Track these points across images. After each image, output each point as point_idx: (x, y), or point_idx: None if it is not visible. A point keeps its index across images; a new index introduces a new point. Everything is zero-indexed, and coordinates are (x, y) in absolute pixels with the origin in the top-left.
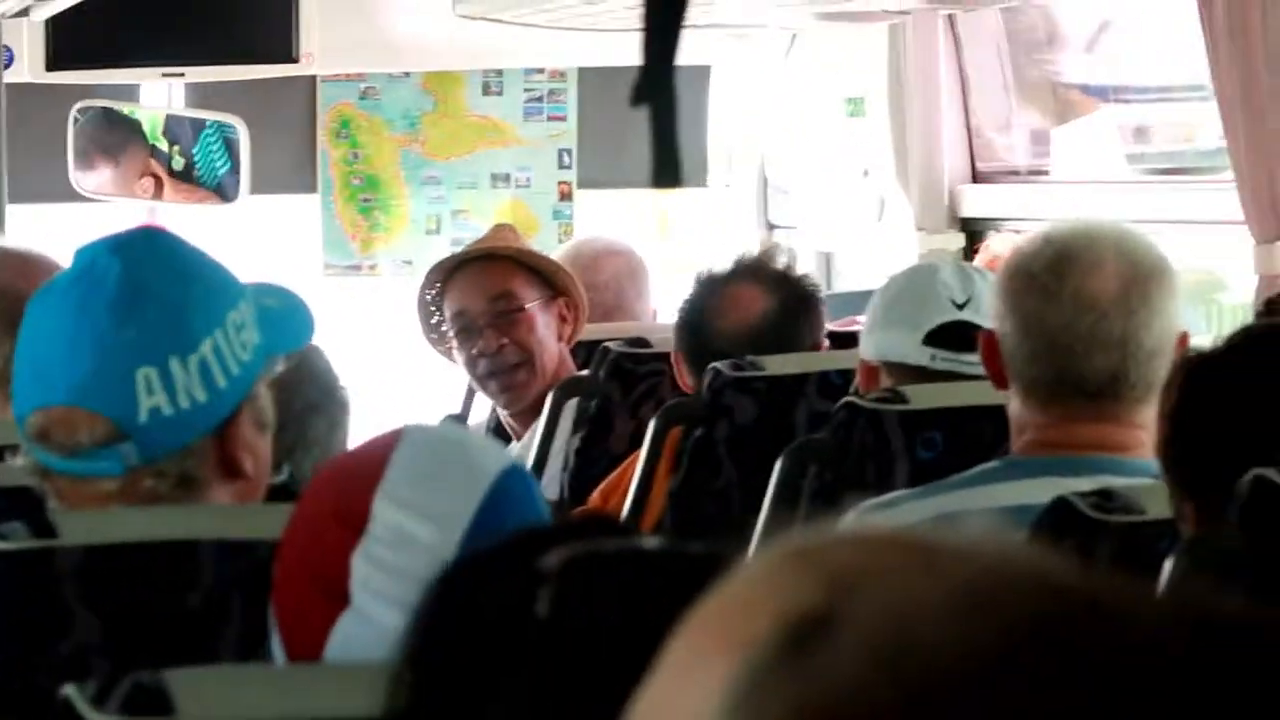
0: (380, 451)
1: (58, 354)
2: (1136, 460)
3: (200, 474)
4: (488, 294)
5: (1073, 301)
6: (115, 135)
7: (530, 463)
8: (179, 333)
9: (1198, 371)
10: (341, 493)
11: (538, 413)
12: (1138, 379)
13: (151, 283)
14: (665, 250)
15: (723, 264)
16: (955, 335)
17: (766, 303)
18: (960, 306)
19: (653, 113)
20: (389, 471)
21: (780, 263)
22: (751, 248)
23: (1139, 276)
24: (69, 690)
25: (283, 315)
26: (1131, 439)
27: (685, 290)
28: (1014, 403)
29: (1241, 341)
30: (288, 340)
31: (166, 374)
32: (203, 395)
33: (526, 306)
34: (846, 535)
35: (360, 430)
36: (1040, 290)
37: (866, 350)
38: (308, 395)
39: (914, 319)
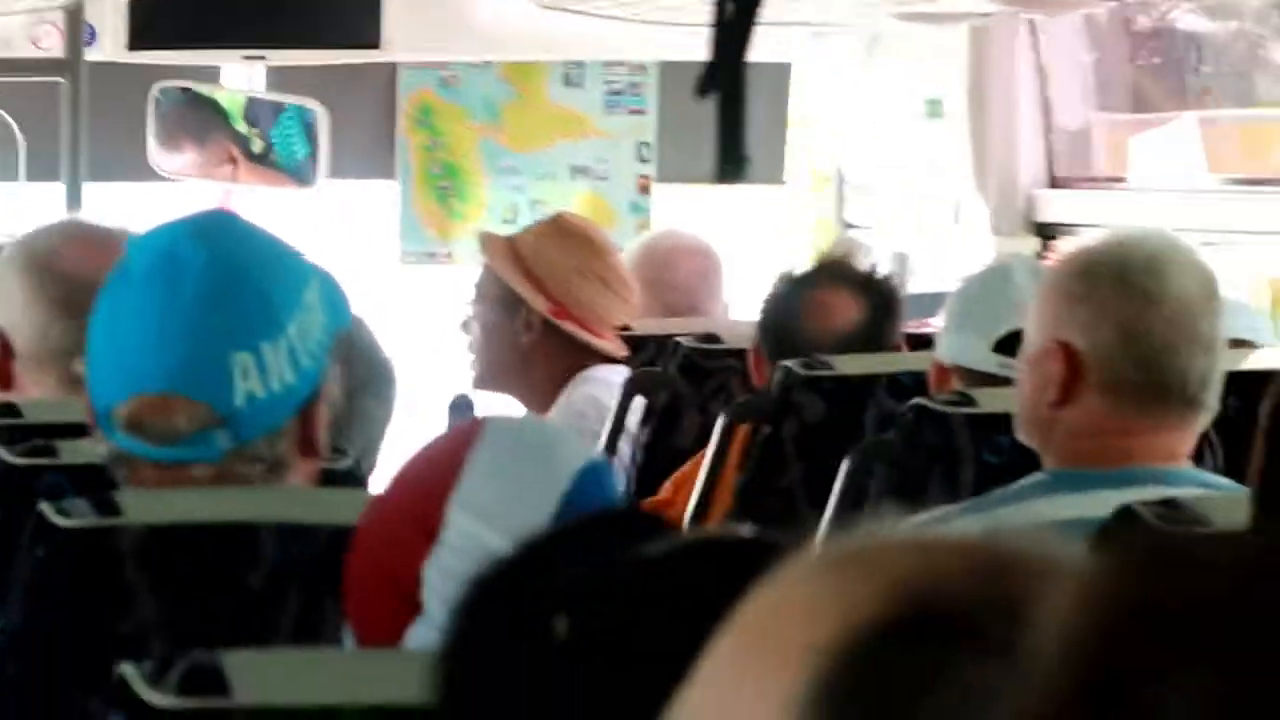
0: (457, 451)
1: (148, 341)
2: (1185, 471)
3: (287, 457)
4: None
5: (1175, 303)
6: (200, 117)
7: None
8: (268, 316)
9: None
10: (417, 495)
11: (547, 397)
12: (1215, 382)
13: (238, 267)
14: (740, 246)
15: (805, 265)
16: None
17: (856, 309)
18: None
19: (721, 106)
20: (464, 476)
21: (864, 265)
22: (829, 246)
23: (1210, 279)
24: (126, 669)
25: (331, 290)
26: (1186, 447)
27: (765, 288)
28: (1077, 411)
29: None
30: (342, 316)
31: (259, 358)
32: (291, 377)
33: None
34: (901, 541)
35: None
36: (1141, 294)
37: (940, 352)
38: (355, 371)
39: (984, 325)
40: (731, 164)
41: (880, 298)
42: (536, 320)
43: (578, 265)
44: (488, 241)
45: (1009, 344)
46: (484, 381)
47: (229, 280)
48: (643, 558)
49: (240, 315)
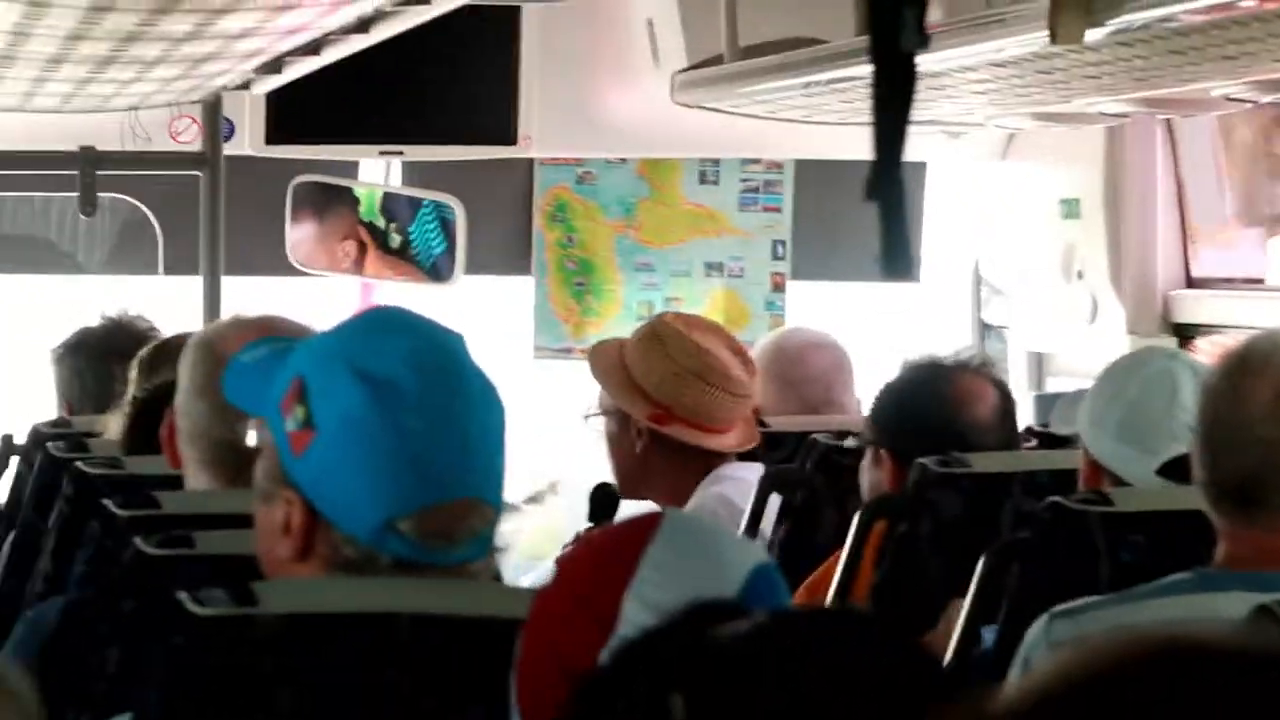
0: (635, 543)
1: (450, 455)
2: None
3: None
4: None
5: (1228, 402)
6: (337, 212)
7: None
8: (503, 414)
9: None
10: (594, 584)
11: (679, 498)
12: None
13: (479, 369)
14: (875, 343)
15: (939, 356)
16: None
17: (996, 399)
18: None
19: (884, 207)
20: (641, 570)
21: (986, 364)
22: (961, 346)
23: None
24: None
25: None
26: None
27: (886, 380)
28: None
29: None
30: None
31: (504, 455)
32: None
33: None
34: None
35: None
36: (1209, 391)
37: (1096, 449)
38: None
39: (1148, 443)
40: (898, 262)
41: (1007, 390)
42: (644, 428)
43: (675, 368)
44: (595, 354)
45: (1175, 468)
46: (622, 490)
47: (487, 381)
48: (746, 634)
49: (501, 415)
